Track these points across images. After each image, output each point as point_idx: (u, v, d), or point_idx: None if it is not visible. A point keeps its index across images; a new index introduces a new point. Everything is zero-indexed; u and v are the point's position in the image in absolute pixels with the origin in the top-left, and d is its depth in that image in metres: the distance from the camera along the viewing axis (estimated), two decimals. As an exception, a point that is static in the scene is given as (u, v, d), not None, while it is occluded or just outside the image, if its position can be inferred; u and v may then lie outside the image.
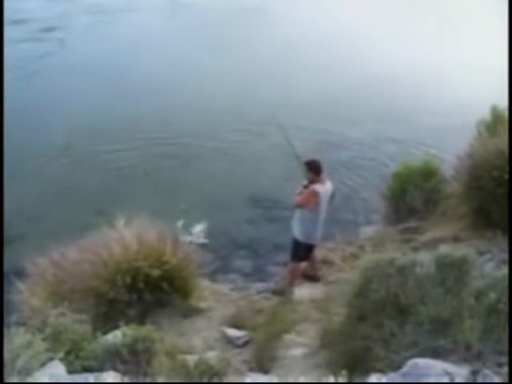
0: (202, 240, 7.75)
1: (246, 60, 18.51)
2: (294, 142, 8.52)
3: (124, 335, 4.39)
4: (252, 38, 20.14)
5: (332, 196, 8.29)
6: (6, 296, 6.83)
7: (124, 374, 4.05)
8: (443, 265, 4.78)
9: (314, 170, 8.02)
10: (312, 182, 8.00)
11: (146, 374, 4.14)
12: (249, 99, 15.76)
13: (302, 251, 8.38)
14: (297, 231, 8.27)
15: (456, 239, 7.64)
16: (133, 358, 4.22)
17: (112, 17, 23.49)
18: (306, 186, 8.11)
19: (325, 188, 8.03)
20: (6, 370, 3.53)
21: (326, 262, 9.26)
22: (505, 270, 4.69)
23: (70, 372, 3.94)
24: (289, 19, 22.36)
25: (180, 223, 7.72)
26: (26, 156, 13.01)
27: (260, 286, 9.18)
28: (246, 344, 6.92)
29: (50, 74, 17.83)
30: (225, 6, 23.78)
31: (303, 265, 8.76)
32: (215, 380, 4.02)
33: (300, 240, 8.27)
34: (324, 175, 8.07)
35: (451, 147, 10.30)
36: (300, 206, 8.09)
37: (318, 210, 8.02)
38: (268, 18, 22.45)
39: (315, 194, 7.93)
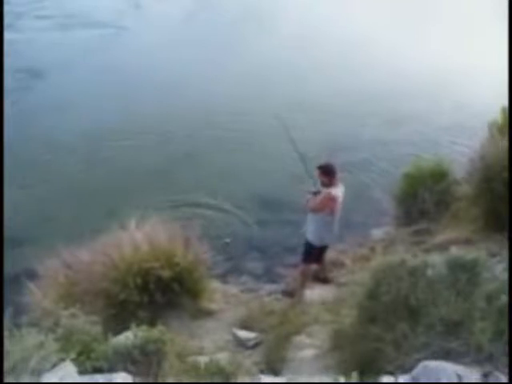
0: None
1: (257, 61, 18.51)
2: (304, 143, 8.52)
3: (135, 336, 4.41)
4: (263, 40, 20.14)
5: None
6: (18, 297, 6.89)
7: (135, 375, 4.07)
8: (454, 267, 4.76)
9: (328, 173, 7.91)
10: (326, 185, 7.95)
11: (156, 376, 4.15)
12: (259, 100, 15.75)
13: (315, 254, 8.32)
14: (310, 234, 8.20)
15: (467, 241, 7.61)
16: (144, 360, 4.24)
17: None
18: (315, 193, 8.07)
19: (340, 191, 7.97)
20: (18, 370, 3.56)
21: (337, 264, 9.24)
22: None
23: (81, 373, 3.96)
24: (300, 20, 22.36)
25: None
26: (38, 157, 13.08)
27: (270, 287, 9.18)
28: (256, 346, 6.93)
29: (79, 72, 18.05)
30: (234, 7, 23.81)
31: (314, 267, 8.73)
32: (225, 381, 4.03)
33: (313, 243, 8.21)
34: (338, 178, 8.02)
35: (463, 149, 10.28)
36: (317, 210, 8.04)
37: (334, 214, 7.98)
38: (278, 19, 22.46)
39: (333, 199, 7.83)
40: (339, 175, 8.06)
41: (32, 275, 7.33)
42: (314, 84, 16.79)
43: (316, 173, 8.00)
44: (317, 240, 8.17)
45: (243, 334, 7.14)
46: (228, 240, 10.46)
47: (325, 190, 7.90)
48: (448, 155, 10.84)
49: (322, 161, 8.10)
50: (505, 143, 7.77)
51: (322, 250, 8.38)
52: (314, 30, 21.14)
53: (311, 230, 8.17)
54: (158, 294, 7.02)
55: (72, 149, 13.57)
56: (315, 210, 8.02)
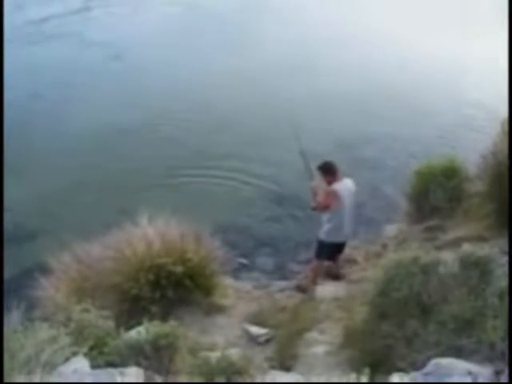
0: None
1: (268, 58, 18.47)
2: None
3: (147, 331, 4.42)
4: (273, 37, 20.10)
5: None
6: (31, 292, 6.92)
7: (147, 369, 4.08)
8: (467, 264, 4.75)
9: (328, 172, 7.98)
10: (330, 183, 7.96)
11: (168, 370, 4.17)
12: (273, 96, 15.72)
13: (326, 250, 8.33)
14: (321, 230, 8.24)
15: (480, 238, 7.55)
16: (155, 354, 4.26)
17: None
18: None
19: (344, 186, 7.98)
20: (31, 364, 3.58)
21: (349, 261, 9.22)
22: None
23: (94, 367, 3.99)
24: (312, 18, 22.29)
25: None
26: (52, 151, 13.13)
27: (282, 283, 9.18)
28: (268, 341, 6.93)
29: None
30: (241, 5, 23.78)
31: (326, 263, 8.72)
32: (237, 376, 4.04)
33: (323, 239, 8.23)
34: (340, 174, 8.02)
35: (475, 145, 10.21)
36: (324, 209, 8.06)
37: (342, 209, 7.98)
38: (288, 17, 22.43)
39: (334, 194, 7.89)
40: (350, 170, 8.07)
41: (45, 270, 7.36)
42: (326, 80, 16.74)
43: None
44: (326, 236, 8.18)
45: (255, 329, 7.13)
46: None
47: (325, 187, 7.98)
48: (460, 152, 10.79)
49: (321, 161, 8.14)
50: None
51: (334, 246, 8.36)
52: (331, 27, 21.09)
53: (323, 227, 8.19)
54: (169, 289, 7.03)
55: (89, 142, 13.62)
56: (321, 209, 8.08)
